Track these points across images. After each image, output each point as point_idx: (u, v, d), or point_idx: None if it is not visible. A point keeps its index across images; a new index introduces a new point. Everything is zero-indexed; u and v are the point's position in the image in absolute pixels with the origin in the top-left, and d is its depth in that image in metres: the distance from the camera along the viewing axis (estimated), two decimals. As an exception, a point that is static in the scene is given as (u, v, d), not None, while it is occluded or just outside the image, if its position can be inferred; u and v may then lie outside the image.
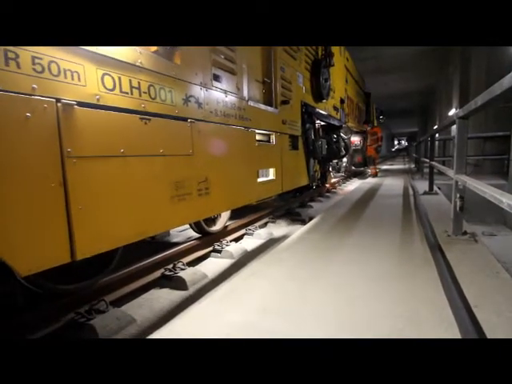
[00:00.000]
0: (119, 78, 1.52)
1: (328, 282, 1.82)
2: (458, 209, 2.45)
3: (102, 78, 1.45)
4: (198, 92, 2.11)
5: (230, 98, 2.48)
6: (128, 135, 1.57)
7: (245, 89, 2.72)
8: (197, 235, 3.38)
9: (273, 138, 3.38)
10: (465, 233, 2.55)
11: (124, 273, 2.39)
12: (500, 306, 1.42)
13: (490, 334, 1.20)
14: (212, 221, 3.47)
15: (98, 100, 1.42)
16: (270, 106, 3.27)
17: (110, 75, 1.48)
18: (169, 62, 1.85)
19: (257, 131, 2.95)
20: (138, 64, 1.62)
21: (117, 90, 1.52)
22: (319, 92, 4.66)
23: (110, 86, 1.49)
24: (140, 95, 1.64)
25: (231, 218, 4.30)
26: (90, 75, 1.39)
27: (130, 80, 1.59)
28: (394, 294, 1.63)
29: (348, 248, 2.48)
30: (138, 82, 1.63)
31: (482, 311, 1.37)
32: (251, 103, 2.81)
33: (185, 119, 1.98)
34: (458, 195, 2.43)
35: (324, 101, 4.93)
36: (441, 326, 1.31)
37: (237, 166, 2.60)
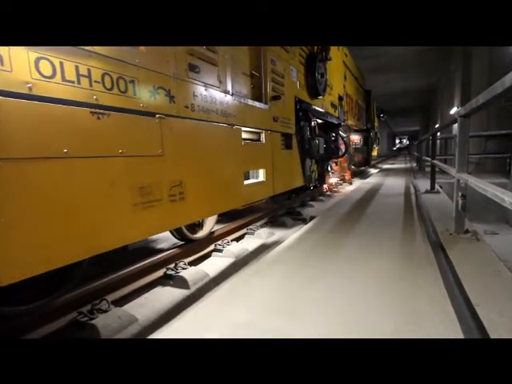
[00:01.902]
0: (61, 64, 1.27)
1: (329, 281, 1.81)
2: (459, 207, 2.43)
3: (37, 63, 1.19)
4: (170, 83, 1.85)
5: (211, 92, 2.22)
6: (74, 132, 1.31)
7: (228, 82, 2.46)
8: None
9: (263, 136, 3.12)
10: (467, 231, 2.53)
11: (126, 272, 2.37)
12: (502, 305, 1.41)
13: (493, 333, 1.19)
14: (196, 226, 3.21)
15: (30, 89, 1.17)
16: (260, 101, 3.00)
17: (47, 59, 1.22)
18: (130, 48, 1.59)
19: (243, 129, 2.69)
20: (86, 48, 1.36)
21: (57, 78, 1.26)
22: (315, 87, 4.39)
23: (48, 73, 1.23)
24: (91, 85, 1.38)
25: (232, 217, 4.18)
26: (18, 59, 1.13)
27: (77, 66, 1.33)
28: (395, 293, 1.62)
29: (349, 247, 2.45)
30: (88, 70, 1.37)
31: (484, 310, 1.36)
32: (236, 98, 2.55)
33: (152, 114, 1.72)
34: (460, 194, 2.40)
35: (320, 97, 4.66)
36: (443, 324, 1.30)
37: (218, 167, 2.34)
